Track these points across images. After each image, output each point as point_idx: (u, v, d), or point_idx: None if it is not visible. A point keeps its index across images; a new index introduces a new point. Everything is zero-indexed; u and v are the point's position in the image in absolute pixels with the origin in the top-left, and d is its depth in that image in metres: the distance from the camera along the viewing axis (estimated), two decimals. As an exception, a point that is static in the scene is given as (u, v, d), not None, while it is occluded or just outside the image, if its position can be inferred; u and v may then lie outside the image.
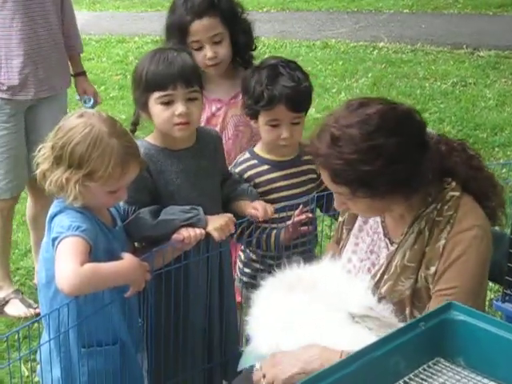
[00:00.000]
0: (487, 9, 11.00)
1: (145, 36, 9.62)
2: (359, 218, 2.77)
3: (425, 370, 2.03)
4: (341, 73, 8.59)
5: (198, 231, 2.83)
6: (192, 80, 2.90)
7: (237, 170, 3.26)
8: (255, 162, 3.28)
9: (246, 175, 3.25)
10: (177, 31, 3.39)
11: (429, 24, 10.41)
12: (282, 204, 3.19)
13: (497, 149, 6.53)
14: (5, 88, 4.14)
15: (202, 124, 3.33)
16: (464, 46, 9.30)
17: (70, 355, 2.68)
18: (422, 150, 2.47)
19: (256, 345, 2.60)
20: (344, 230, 2.84)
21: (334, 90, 7.94)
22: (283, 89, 3.14)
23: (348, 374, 1.86)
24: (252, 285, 3.16)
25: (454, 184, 2.55)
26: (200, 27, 3.37)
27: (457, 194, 2.53)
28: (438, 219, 2.51)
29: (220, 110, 3.53)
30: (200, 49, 3.40)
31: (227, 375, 3.16)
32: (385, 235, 2.69)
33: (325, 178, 2.54)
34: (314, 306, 2.48)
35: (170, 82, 2.85)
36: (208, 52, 3.39)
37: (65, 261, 2.45)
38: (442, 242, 2.49)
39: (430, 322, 2.04)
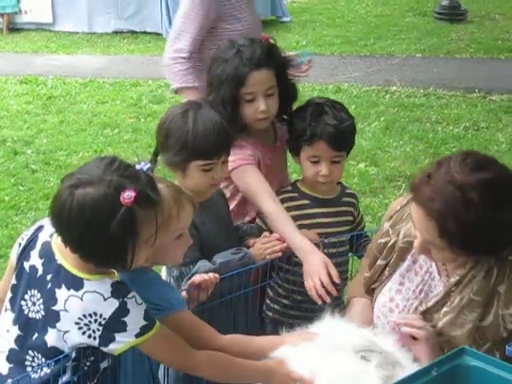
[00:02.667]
0: (499, 53, 11.04)
1: (158, 79, 9.67)
2: (409, 257, 2.73)
3: (437, 416, 2.01)
4: (353, 117, 8.59)
5: (212, 275, 2.83)
6: (230, 147, 3.03)
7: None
8: (295, 194, 3.32)
9: (284, 206, 3.26)
10: (231, 82, 3.25)
11: (441, 68, 10.44)
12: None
13: (510, 193, 6.49)
14: None
15: None
16: (476, 90, 9.31)
17: None
18: None
19: None
20: (386, 272, 2.80)
21: (346, 134, 7.94)
22: (325, 126, 3.20)
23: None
24: (279, 322, 3.14)
25: None
26: (258, 79, 3.28)
27: None
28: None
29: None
30: (252, 100, 3.29)
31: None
32: (439, 273, 2.66)
33: (428, 227, 2.47)
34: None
35: (216, 152, 2.96)
36: (261, 105, 3.28)
37: None
38: None
39: (443, 368, 2.03)
